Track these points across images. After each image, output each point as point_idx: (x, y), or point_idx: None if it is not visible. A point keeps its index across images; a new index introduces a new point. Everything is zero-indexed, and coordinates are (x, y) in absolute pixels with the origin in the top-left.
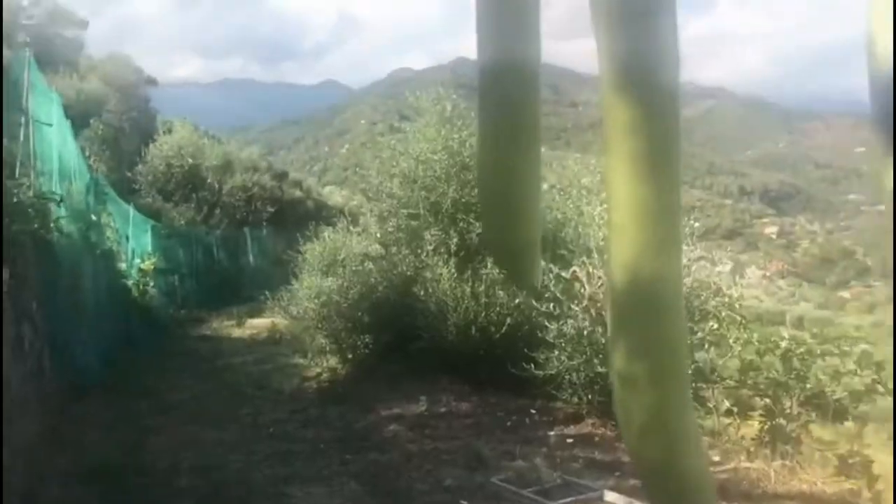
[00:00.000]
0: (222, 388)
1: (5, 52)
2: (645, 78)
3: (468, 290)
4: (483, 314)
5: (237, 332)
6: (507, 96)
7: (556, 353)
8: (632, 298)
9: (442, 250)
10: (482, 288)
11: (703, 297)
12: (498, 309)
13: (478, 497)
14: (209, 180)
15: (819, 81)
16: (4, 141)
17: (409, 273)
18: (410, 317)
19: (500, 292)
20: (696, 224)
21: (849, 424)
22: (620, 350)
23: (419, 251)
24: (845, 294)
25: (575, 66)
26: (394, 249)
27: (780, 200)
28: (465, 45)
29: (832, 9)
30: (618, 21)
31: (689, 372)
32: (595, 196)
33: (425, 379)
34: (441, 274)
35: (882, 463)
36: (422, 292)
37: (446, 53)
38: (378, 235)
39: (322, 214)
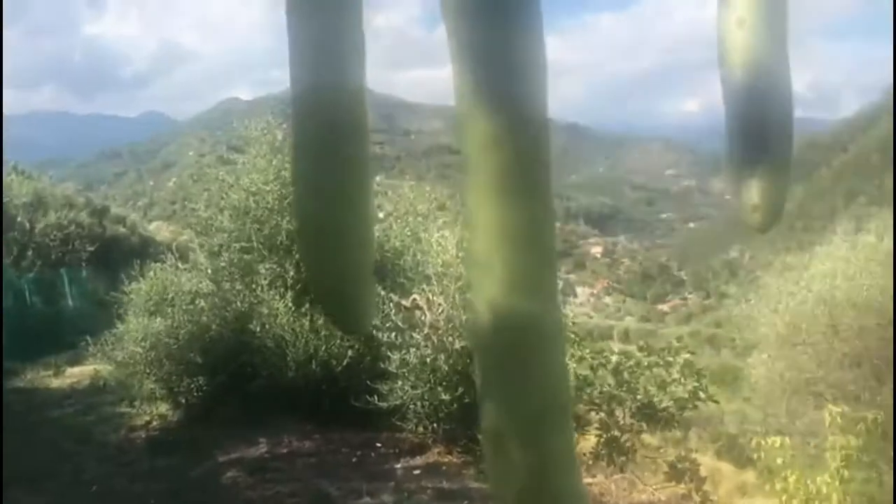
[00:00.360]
0: (38, 446)
1: None
2: (508, 83)
3: (307, 323)
4: (323, 348)
5: (55, 383)
6: (326, 124)
7: (400, 383)
8: (502, 343)
9: (278, 284)
10: (322, 321)
11: None
12: (338, 341)
13: None
14: (19, 219)
15: (630, 109)
16: None
17: (243, 309)
18: (247, 355)
19: None
20: None
21: (675, 431)
22: (491, 405)
23: (254, 286)
24: (664, 307)
25: (406, 96)
26: (227, 285)
27: (602, 221)
28: None
29: (640, 41)
30: (476, 16)
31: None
32: (432, 222)
33: (265, 419)
34: (278, 308)
35: (707, 466)
36: (258, 328)
37: (276, 82)
38: (209, 271)
39: (149, 251)
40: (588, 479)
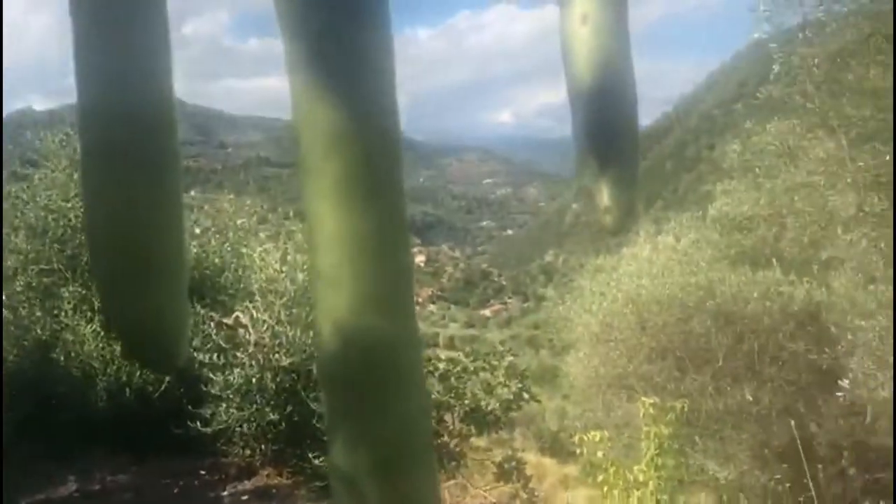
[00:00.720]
0: None
1: None
2: (351, 76)
3: (118, 349)
4: (138, 374)
5: None
6: (124, 131)
7: (224, 405)
8: (353, 368)
9: (84, 307)
10: None
11: None
12: None
13: None
14: None
15: (448, 120)
16: None
17: (44, 337)
18: (50, 386)
19: None
20: None
21: (501, 432)
22: (341, 439)
23: (56, 311)
24: (486, 312)
25: (222, 107)
26: (24, 312)
27: (425, 231)
28: None
29: (455, 55)
30: (315, 10)
31: (434, 460)
32: (253, 237)
33: (74, 455)
34: (84, 334)
35: (532, 463)
36: (62, 357)
37: (73, 92)
38: (3, 298)
39: None
40: None
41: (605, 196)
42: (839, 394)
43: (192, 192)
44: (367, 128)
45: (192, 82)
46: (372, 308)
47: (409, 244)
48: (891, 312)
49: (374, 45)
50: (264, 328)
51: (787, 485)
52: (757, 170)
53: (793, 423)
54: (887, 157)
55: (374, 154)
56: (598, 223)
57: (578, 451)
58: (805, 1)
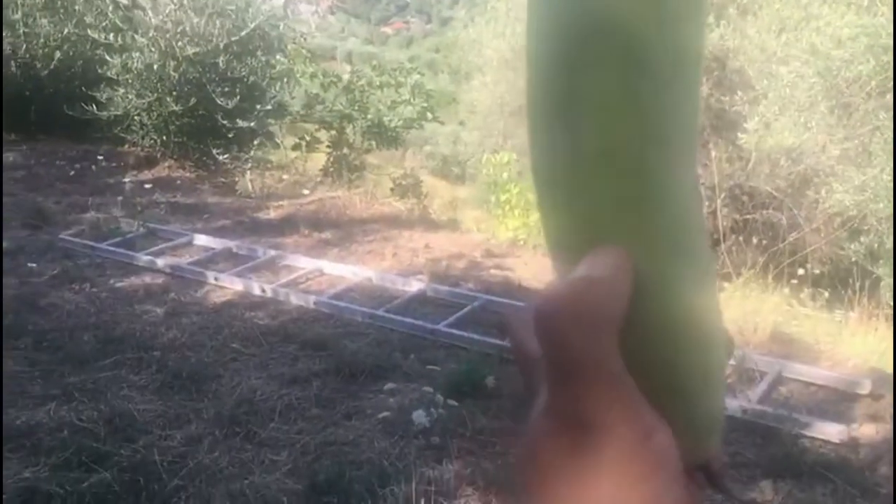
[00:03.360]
0: None
1: None
2: None
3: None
4: (24, 47)
5: None
6: None
7: (122, 90)
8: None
9: None
10: (18, 15)
11: (280, 28)
12: (42, 40)
13: (46, 258)
14: None
15: None
16: None
17: None
18: None
19: (44, 20)
20: None
21: (393, 150)
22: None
23: None
24: (387, 29)
25: None
26: None
27: None
28: None
29: None
30: None
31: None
32: None
33: None
34: None
35: (426, 183)
36: None
37: None
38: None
39: None
40: (332, 193)
41: None
42: (741, 135)
43: None
44: None
45: None
46: None
47: None
48: (807, 57)
49: None
50: (167, 12)
51: None
52: None
53: None
54: None
55: None
56: None
57: (480, 172)
58: None
